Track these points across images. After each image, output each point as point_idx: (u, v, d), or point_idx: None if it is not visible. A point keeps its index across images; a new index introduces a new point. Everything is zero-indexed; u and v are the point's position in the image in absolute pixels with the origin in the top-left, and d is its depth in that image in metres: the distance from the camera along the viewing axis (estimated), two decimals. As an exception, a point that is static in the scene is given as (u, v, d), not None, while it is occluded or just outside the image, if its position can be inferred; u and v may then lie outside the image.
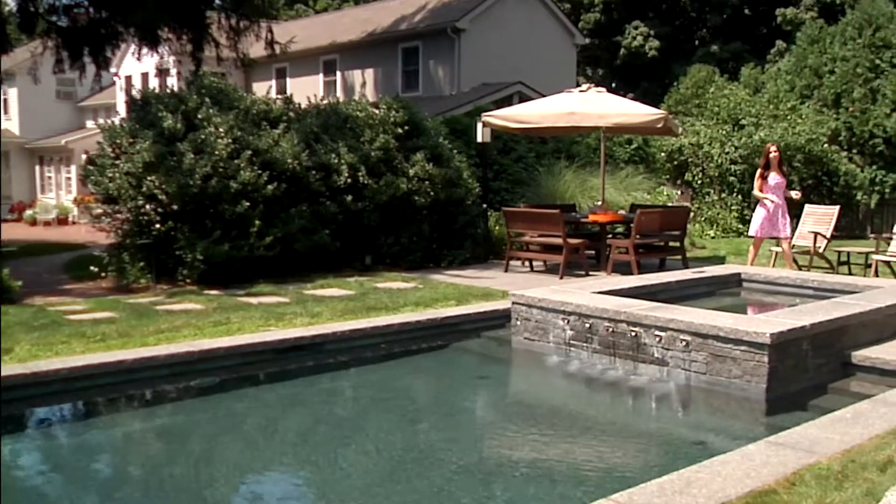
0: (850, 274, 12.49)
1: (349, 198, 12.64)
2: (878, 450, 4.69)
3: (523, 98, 22.32)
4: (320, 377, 7.41)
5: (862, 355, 7.09)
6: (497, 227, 14.57)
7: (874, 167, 21.10)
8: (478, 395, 7.30)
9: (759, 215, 11.98)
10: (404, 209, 13.15)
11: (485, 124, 13.64)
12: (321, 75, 29.07)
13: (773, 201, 11.58)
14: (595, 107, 12.74)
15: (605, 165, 14.81)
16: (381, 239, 13.17)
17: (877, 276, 11.74)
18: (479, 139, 14.11)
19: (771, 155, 11.79)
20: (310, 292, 10.50)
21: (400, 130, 13.47)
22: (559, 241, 12.35)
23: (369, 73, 27.54)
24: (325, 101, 14.52)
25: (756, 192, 11.85)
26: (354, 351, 7.91)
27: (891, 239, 12.48)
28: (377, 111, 13.72)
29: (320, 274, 12.06)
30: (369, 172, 12.92)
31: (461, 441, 5.83)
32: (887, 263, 12.03)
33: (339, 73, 28.59)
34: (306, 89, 25.11)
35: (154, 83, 25.18)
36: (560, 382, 7.52)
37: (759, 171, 11.90)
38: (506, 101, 21.78)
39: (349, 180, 12.68)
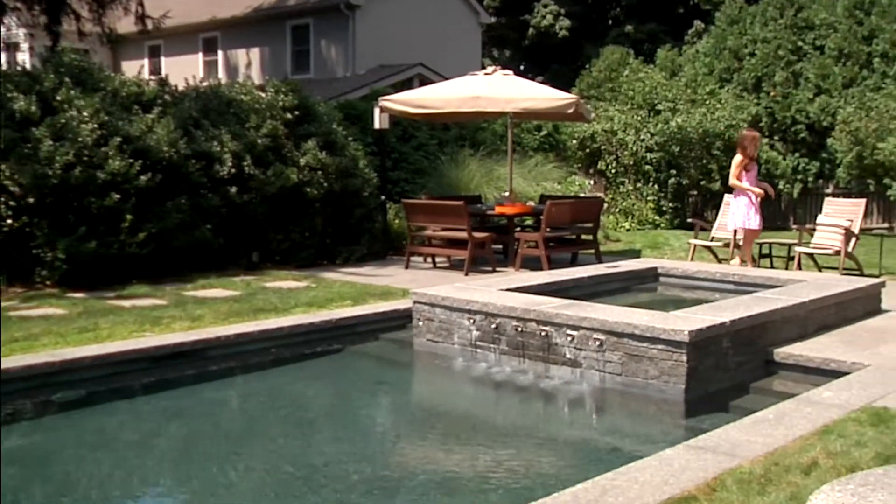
0: (773, 267, 12.92)
1: (233, 189, 12.42)
2: (803, 452, 4.84)
3: (424, 81, 22.37)
4: (203, 387, 7.26)
5: (785, 352, 7.33)
6: (397, 221, 14.54)
7: (797, 155, 21.81)
8: (376, 402, 7.27)
9: (747, 206, 11.50)
10: (295, 202, 12.99)
11: (382, 109, 13.59)
12: (201, 54, 28.53)
13: (757, 193, 11.42)
14: (502, 91, 12.82)
15: (512, 154, 14.95)
16: (269, 234, 12.98)
17: (800, 269, 12.15)
18: (377, 125, 14.06)
19: (755, 143, 11.47)
20: (190, 293, 10.28)
21: (289, 116, 13.29)
22: (464, 235, 12.41)
23: (255, 52, 27.17)
24: (205, 83, 14.23)
25: (733, 180, 11.53)
26: (241, 357, 7.77)
27: (814, 230, 12.94)
28: (264, 94, 13.52)
29: (202, 273, 11.82)
30: (255, 162, 12.72)
31: (358, 454, 5.78)
32: (811, 256, 12.47)
33: (221, 53, 28.11)
34: (184, 70, 24.55)
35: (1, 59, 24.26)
36: (466, 387, 7.55)
37: (740, 160, 11.44)
38: (405, 85, 21.79)
39: (233, 170, 12.46)
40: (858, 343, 7.71)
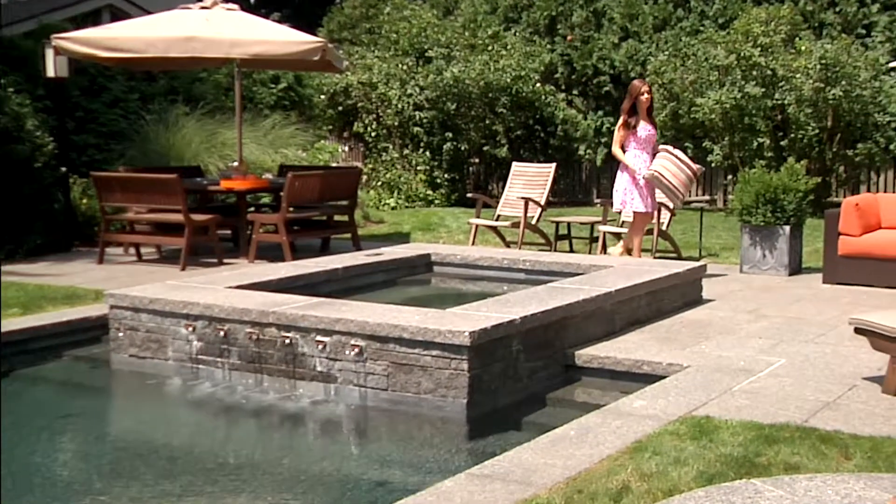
0: (572, 251, 13.45)
1: None
2: (611, 474, 5.08)
3: (118, 15, 21.72)
4: None
5: (588, 354, 7.66)
6: (85, 201, 14.10)
7: (600, 112, 22.65)
8: (62, 443, 7.01)
9: (629, 184, 11.58)
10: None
11: (59, 51, 13.10)
12: None
13: (636, 171, 11.40)
14: (225, 31, 12.67)
15: (241, 113, 14.78)
16: None
17: (605, 252, 12.69)
18: (51, 73, 13.56)
19: (643, 97, 11.58)
20: None
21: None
22: (179, 217, 12.25)
23: None
24: None
25: (615, 150, 11.65)
26: None
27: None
28: None
29: None
30: None
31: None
32: (618, 236, 13.04)
33: None
34: None
35: None
36: (185, 415, 7.45)
37: (622, 117, 11.63)
38: (91, 19, 21.06)
39: None
40: (676, 340, 8.17)
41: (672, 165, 11.34)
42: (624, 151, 11.54)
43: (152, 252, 13.41)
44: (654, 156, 11.54)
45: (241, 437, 7.04)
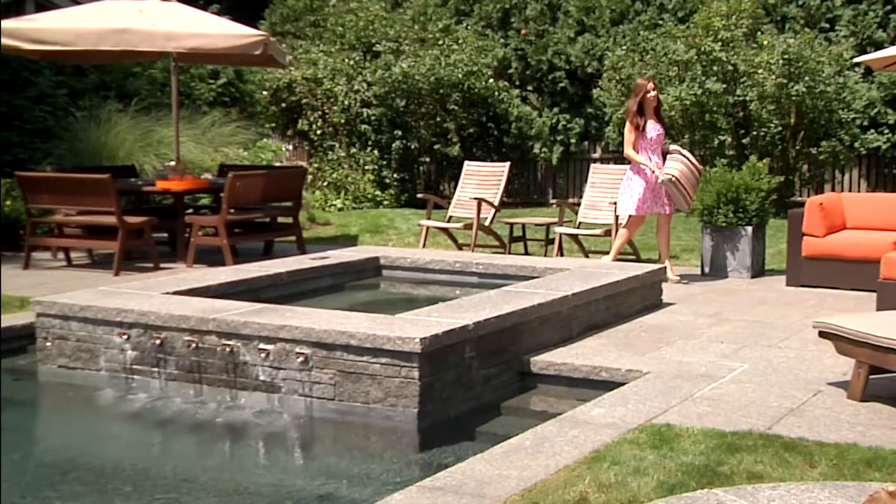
0: (528, 253, 13.49)
1: None
2: (568, 485, 5.09)
3: (45, 5, 21.52)
4: None
5: (544, 361, 7.69)
6: (9, 202, 13.97)
7: (556, 110, 22.75)
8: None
9: (637, 185, 11.51)
10: None
11: (-22, 42, 12.98)
12: None
13: (652, 170, 11.32)
14: (160, 23, 12.60)
15: (178, 109, 14.71)
16: None
17: (561, 254, 12.77)
18: (-28, 65, 13.41)
19: (649, 95, 11.48)
20: None
21: None
22: (112, 220, 12.17)
23: None
24: None
25: (628, 151, 11.50)
26: None
27: (578, 205, 13.61)
28: None
29: None
30: None
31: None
32: (574, 237, 13.11)
33: None
34: None
35: None
36: (118, 428, 7.38)
37: (629, 118, 11.51)
38: (14, 8, 20.83)
39: None
40: (635, 345, 8.21)
41: (685, 168, 11.34)
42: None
43: (83, 256, 13.31)
44: (663, 156, 11.51)
45: (178, 450, 7.00)
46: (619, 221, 12.31)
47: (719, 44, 18.31)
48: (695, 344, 8.33)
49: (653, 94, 11.50)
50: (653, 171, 11.32)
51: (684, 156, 11.47)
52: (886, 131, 19.46)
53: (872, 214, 11.68)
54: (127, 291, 8.48)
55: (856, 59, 13.17)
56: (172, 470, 6.58)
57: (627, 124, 11.52)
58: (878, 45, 19.00)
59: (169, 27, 12.58)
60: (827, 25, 20.58)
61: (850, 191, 19.70)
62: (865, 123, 19.44)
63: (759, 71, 17.97)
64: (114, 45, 12.57)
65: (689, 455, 5.53)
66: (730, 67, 18.31)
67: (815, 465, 5.41)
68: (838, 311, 9.29)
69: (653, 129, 11.46)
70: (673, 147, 11.71)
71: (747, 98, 18.25)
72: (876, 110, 19.34)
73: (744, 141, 18.62)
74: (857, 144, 19.12)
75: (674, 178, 11.19)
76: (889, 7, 20.20)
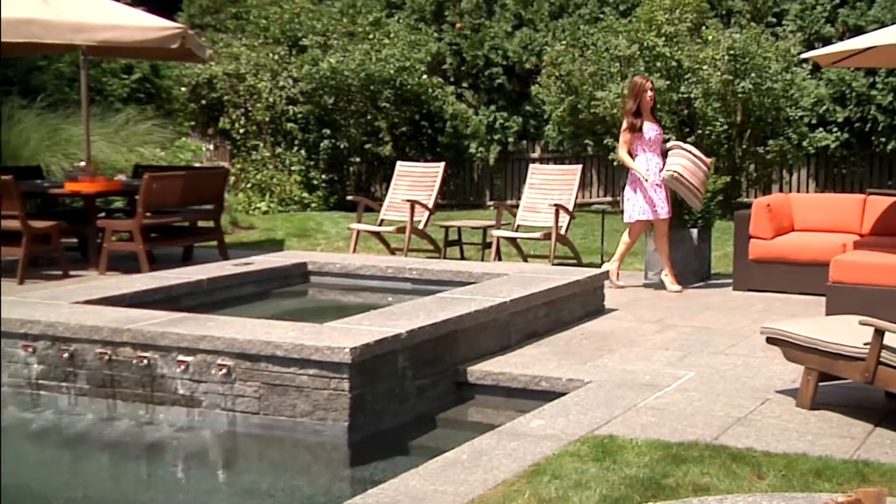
0: (464, 258, 13.51)
1: None
2: (507, 501, 5.11)
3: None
4: None
5: (481, 371, 7.70)
6: None
7: (493, 107, 22.81)
8: None
9: (636, 190, 11.43)
10: None
11: None
12: None
13: (644, 177, 11.23)
14: (67, 13, 12.50)
15: (88, 106, 14.56)
16: None
17: (499, 258, 12.82)
18: None
19: (647, 94, 11.39)
20: None
21: None
22: (15, 224, 12.03)
23: None
24: None
25: (622, 155, 11.48)
26: None
27: (516, 207, 13.64)
28: None
29: None
30: None
31: None
32: (512, 241, 13.14)
33: None
34: None
35: None
36: (22, 449, 7.24)
37: (626, 119, 11.45)
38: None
39: None
40: (576, 353, 8.24)
41: (689, 163, 11.27)
42: (633, 157, 11.39)
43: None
44: (664, 156, 11.45)
45: (88, 472, 6.91)
46: (559, 224, 12.36)
47: (663, 39, 18.38)
48: (638, 351, 8.38)
49: (650, 93, 11.44)
50: (645, 178, 11.24)
51: (686, 150, 11.43)
52: (835, 130, 19.74)
53: (821, 216, 11.81)
54: (32, 301, 8.37)
55: (803, 55, 13.27)
56: (83, 494, 6.52)
57: (623, 125, 11.47)
58: (826, 41, 19.26)
59: (78, 18, 12.45)
60: (774, 20, 20.84)
61: (798, 191, 19.92)
62: (814, 122, 19.71)
63: (704, 67, 18.10)
64: (17, 36, 12.26)
65: (633, 467, 5.55)
66: (674, 63, 18.39)
67: (763, 476, 5.46)
68: (786, 316, 9.36)
69: (650, 129, 11.40)
70: (672, 143, 11.71)
71: (692, 95, 18.35)
72: (824, 108, 19.61)
73: (688, 140, 18.74)
74: (805, 143, 19.36)
75: (676, 175, 11.15)
76: (837, 1, 20.49)
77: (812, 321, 7.81)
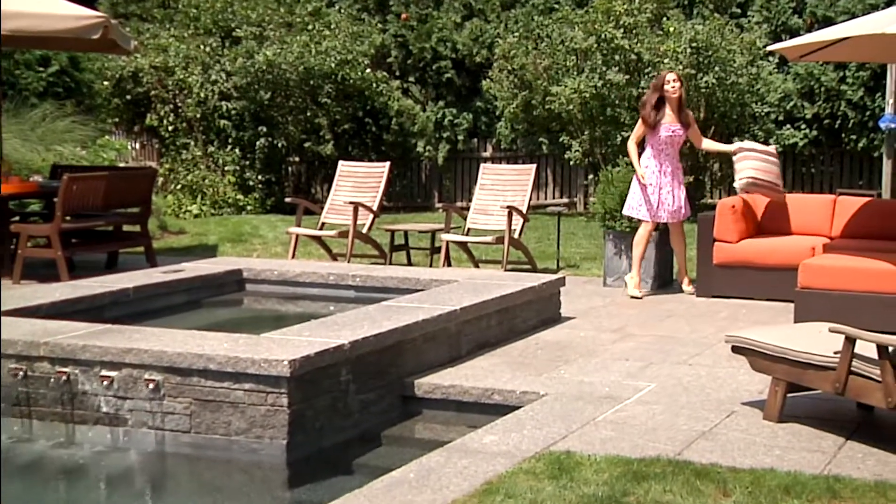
0: (411, 263, 13.50)
1: None
2: (458, 522, 5.10)
3: None
4: None
5: (430, 383, 7.70)
6: None
7: (441, 103, 22.82)
8: None
9: (639, 189, 11.52)
10: None
11: None
12: None
13: (647, 183, 11.31)
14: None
15: (1, 101, 14.49)
16: None
17: (448, 264, 12.83)
18: None
19: (669, 86, 11.30)
20: None
21: None
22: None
23: None
24: None
25: (629, 145, 11.58)
26: None
27: (466, 210, 13.66)
28: None
29: None
30: None
31: None
32: (463, 245, 13.15)
33: None
34: None
35: None
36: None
37: (644, 111, 11.41)
38: None
39: None
40: (531, 364, 8.26)
41: (759, 162, 11.34)
42: (642, 150, 11.47)
43: None
44: (672, 161, 11.49)
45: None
46: (513, 228, 12.38)
47: (621, 30, 18.43)
48: (597, 362, 8.41)
49: (673, 86, 11.32)
50: (641, 175, 11.35)
51: (748, 149, 11.54)
52: (804, 126, 19.87)
53: (789, 218, 11.88)
54: (-59, 312, 8.30)
55: (770, 48, 13.33)
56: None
57: (641, 121, 11.48)
58: (794, 33, 19.36)
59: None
60: (738, 10, 20.93)
61: (765, 192, 20.04)
62: (781, 118, 19.82)
63: (665, 60, 18.13)
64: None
65: (592, 485, 5.56)
66: (633, 56, 18.46)
67: (728, 493, 5.49)
68: (753, 324, 9.44)
69: (667, 128, 11.34)
70: (736, 145, 11.84)
71: (652, 90, 18.46)
72: (792, 104, 19.74)
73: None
74: (772, 141, 19.44)
75: (752, 179, 11.24)
76: (805, -9, 20.65)
77: (780, 329, 7.87)
